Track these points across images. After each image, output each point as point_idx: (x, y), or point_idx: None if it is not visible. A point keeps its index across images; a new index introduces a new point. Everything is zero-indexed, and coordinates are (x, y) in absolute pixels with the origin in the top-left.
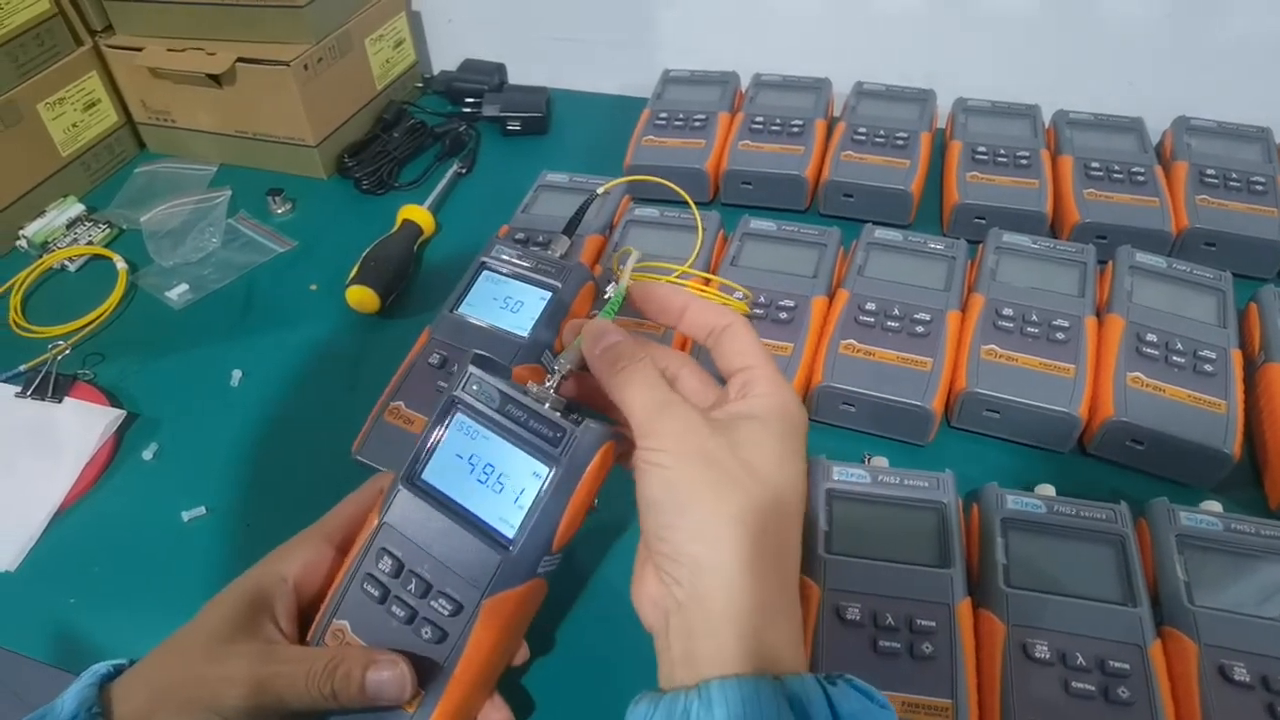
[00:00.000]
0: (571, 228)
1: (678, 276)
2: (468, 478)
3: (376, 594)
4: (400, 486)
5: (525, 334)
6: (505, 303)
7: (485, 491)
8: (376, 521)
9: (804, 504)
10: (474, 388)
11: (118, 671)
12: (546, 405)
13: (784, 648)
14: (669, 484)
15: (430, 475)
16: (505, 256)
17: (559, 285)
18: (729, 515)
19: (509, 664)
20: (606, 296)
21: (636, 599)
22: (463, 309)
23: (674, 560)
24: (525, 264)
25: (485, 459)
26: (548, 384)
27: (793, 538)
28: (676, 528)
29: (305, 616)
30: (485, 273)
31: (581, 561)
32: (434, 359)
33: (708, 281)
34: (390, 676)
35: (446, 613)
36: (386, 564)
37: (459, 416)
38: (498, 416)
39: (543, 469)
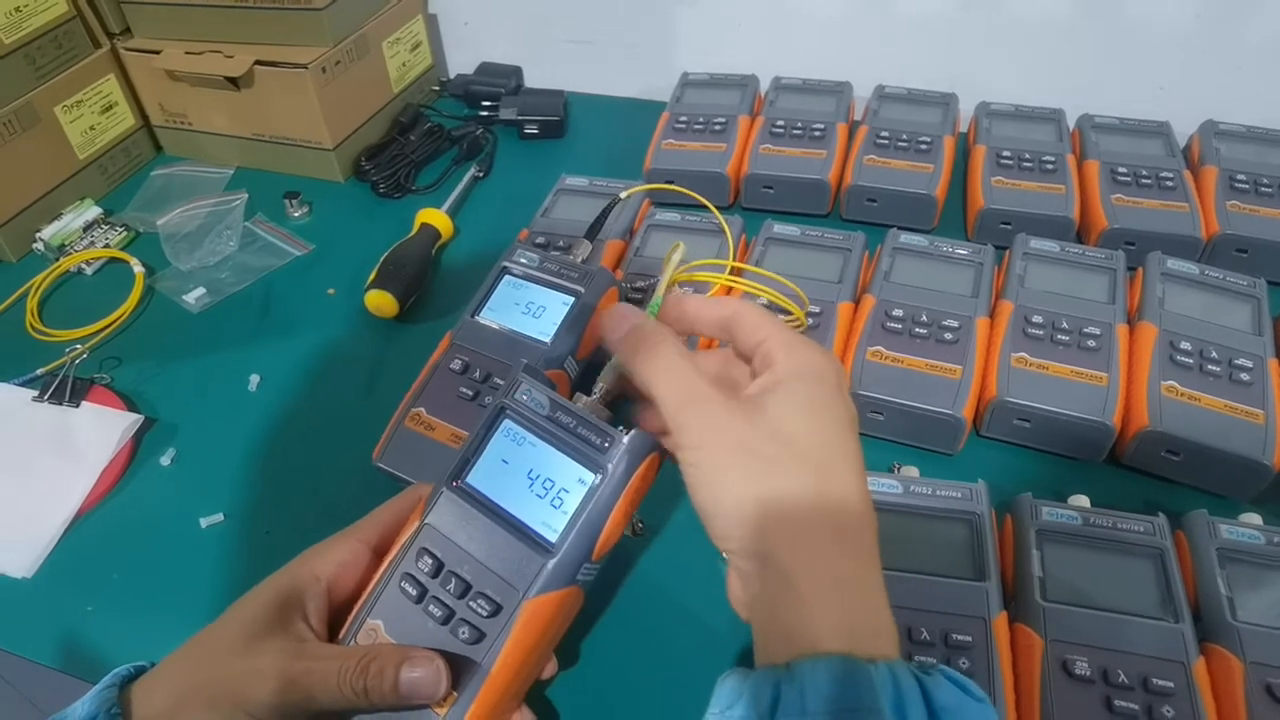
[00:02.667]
0: (594, 232)
1: (730, 274)
2: (513, 483)
3: (414, 593)
4: (444, 489)
5: (547, 340)
6: (527, 308)
7: (530, 496)
8: (418, 523)
9: (856, 458)
10: (524, 395)
11: (139, 673)
12: (595, 414)
13: (872, 625)
14: (706, 481)
15: (475, 479)
16: (526, 261)
17: (581, 290)
18: (763, 499)
19: (538, 676)
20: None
21: (729, 593)
22: (484, 314)
23: (731, 551)
24: (547, 269)
25: (531, 465)
26: (595, 394)
27: (851, 495)
28: (720, 520)
29: (336, 619)
30: (506, 277)
31: (613, 575)
32: (456, 364)
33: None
34: (425, 674)
35: (485, 613)
36: (426, 563)
37: (506, 423)
38: (546, 424)
39: (589, 476)
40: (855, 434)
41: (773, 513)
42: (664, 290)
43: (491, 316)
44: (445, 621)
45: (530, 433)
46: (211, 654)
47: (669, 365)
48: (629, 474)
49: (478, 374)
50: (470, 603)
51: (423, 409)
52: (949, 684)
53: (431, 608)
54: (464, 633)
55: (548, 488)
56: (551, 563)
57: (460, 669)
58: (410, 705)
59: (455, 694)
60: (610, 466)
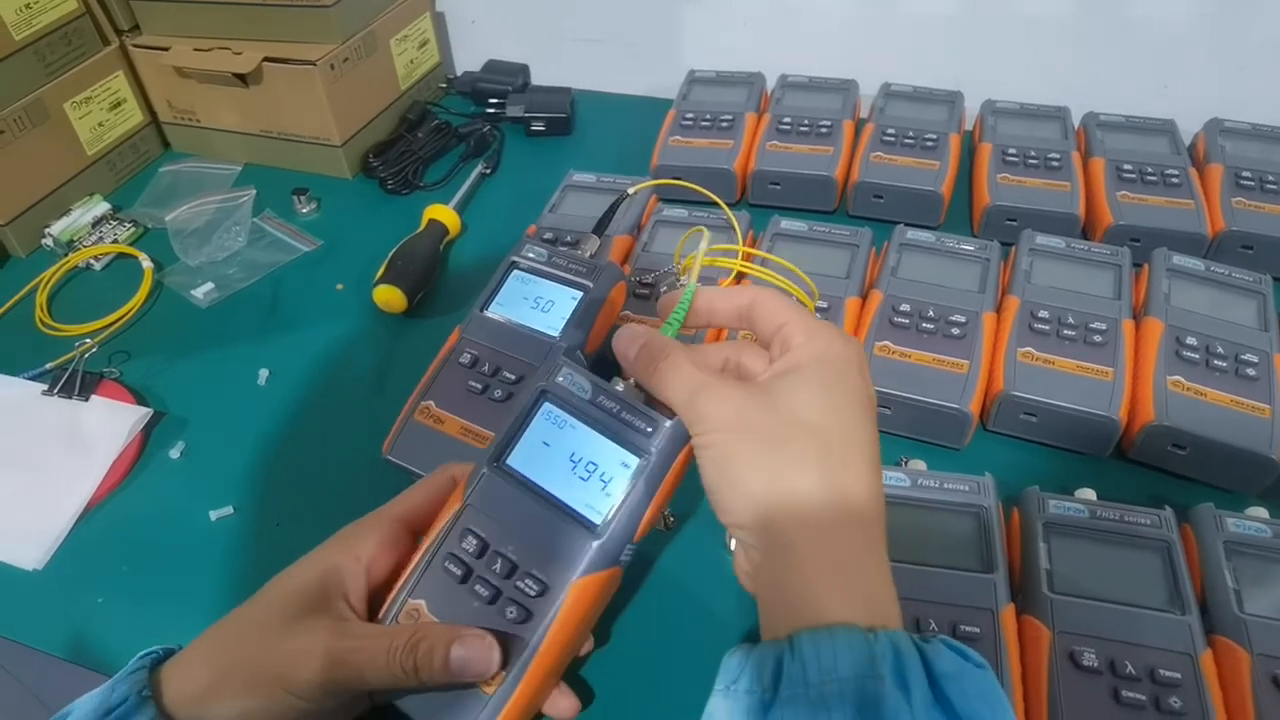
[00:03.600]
0: (602, 227)
1: (742, 260)
2: (555, 465)
3: (459, 573)
4: (485, 470)
5: (556, 334)
6: (536, 302)
7: (573, 479)
8: (460, 504)
9: (870, 443)
10: (564, 379)
11: (168, 655)
12: (636, 399)
13: (876, 599)
14: (717, 463)
15: (515, 461)
16: (535, 256)
17: (590, 285)
18: (772, 480)
19: (576, 654)
20: (681, 283)
21: (735, 568)
22: (493, 308)
23: (740, 528)
24: (556, 263)
25: (573, 448)
26: (632, 381)
27: (861, 479)
28: (729, 499)
29: (374, 599)
30: (515, 272)
31: (646, 555)
32: (465, 358)
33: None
34: (476, 652)
35: (533, 593)
36: (470, 544)
37: (547, 406)
38: (589, 408)
39: (632, 460)
40: (872, 418)
41: (781, 494)
42: (696, 275)
43: (500, 311)
44: (492, 601)
45: (572, 416)
46: (249, 634)
47: (677, 370)
48: (672, 458)
49: (487, 368)
50: (518, 582)
51: (432, 402)
52: (949, 651)
53: (478, 587)
54: (512, 612)
55: (591, 470)
56: (598, 544)
57: (508, 648)
58: (459, 683)
59: (503, 673)
60: (654, 451)
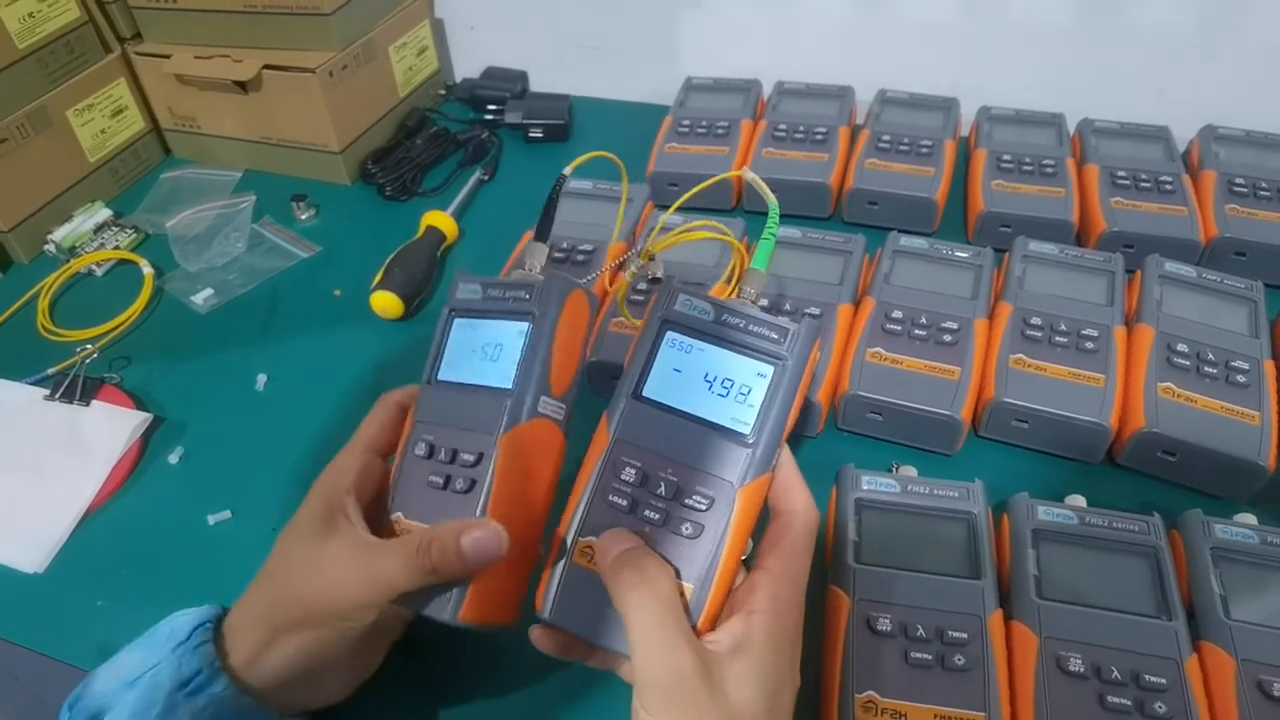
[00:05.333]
0: (544, 231)
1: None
2: (691, 387)
3: (625, 504)
4: (626, 401)
5: (509, 384)
6: (484, 351)
7: (712, 397)
8: (608, 440)
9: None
10: (683, 306)
11: (218, 618)
12: (761, 313)
13: None
14: None
15: (652, 391)
16: (470, 294)
17: (534, 311)
18: None
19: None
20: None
21: None
22: (444, 373)
23: None
24: (492, 296)
25: (705, 368)
26: (745, 296)
27: None
28: None
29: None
30: (456, 321)
31: None
32: (420, 448)
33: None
34: (484, 533)
35: (703, 508)
36: (630, 474)
37: (670, 334)
38: (714, 327)
39: (767, 368)
40: (791, 709)
41: None
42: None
43: (451, 374)
44: (664, 524)
45: (698, 339)
46: (286, 582)
47: (646, 605)
48: (806, 358)
49: (443, 454)
50: (685, 500)
51: (400, 514)
52: None
53: (647, 513)
54: (687, 529)
55: (728, 386)
56: (755, 452)
57: (689, 563)
58: (481, 566)
59: (691, 586)
60: (789, 355)
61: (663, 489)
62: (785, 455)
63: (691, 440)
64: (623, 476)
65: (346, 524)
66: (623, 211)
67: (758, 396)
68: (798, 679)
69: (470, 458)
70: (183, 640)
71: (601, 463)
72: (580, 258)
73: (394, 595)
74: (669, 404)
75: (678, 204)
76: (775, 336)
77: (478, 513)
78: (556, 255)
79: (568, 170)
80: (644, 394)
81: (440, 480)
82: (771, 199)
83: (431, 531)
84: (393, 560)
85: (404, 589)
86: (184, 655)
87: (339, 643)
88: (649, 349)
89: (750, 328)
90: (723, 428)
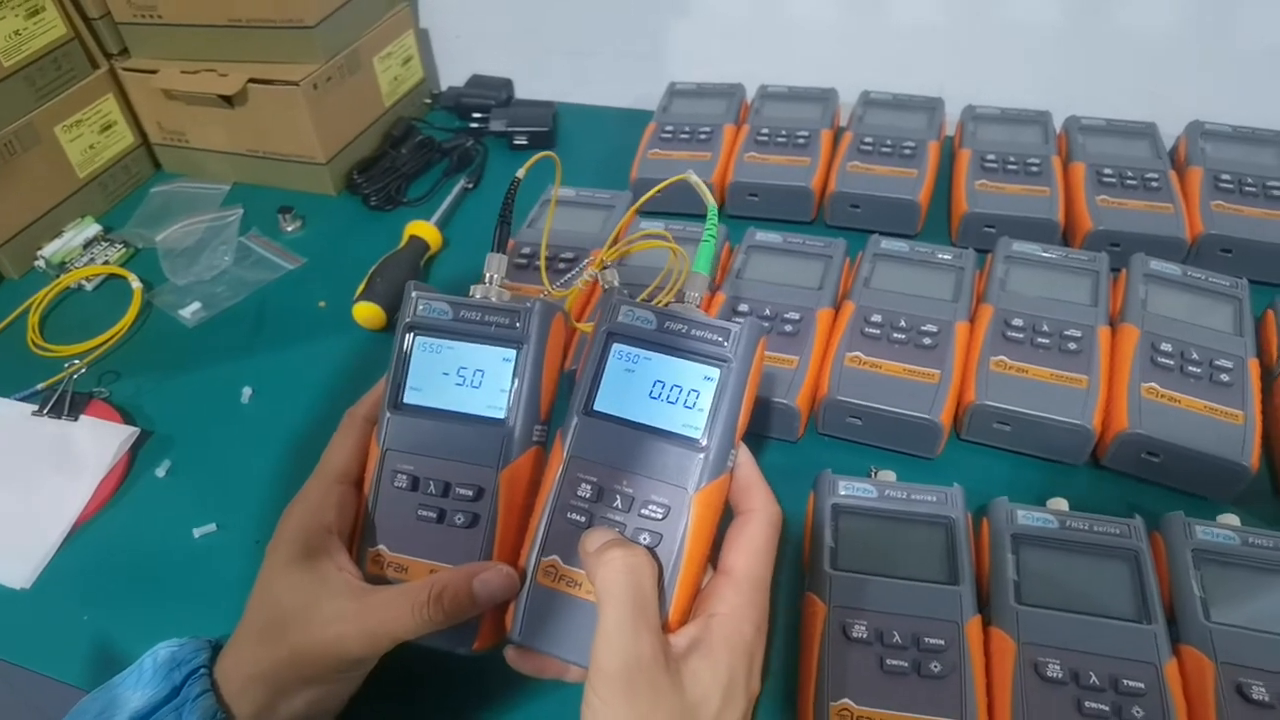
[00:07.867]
0: (502, 243)
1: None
2: (639, 398)
3: (583, 520)
4: (578, 418)
5: (503, 414)
6: (460, 376)
7: (661, 405)
8: (562, 457)
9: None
10: (626, 317)
11: (209, 661)
12: (699, 314)
13: None
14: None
15: (603, 405)
16: (436, 313)
17: (523, 340)
18: None
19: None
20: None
21: None
22: (410, 397)
23: None
24: (468, 318)
25: (653, 376)
26: (689, 301)
27: None
28: None
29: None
30: (419, 340)
31: None
32: (401, 481)
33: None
34: (495, 577)
35: (659, 517)
36: (585, 491)
37: (616, 346)
38: (657, 336)
39: (713, 371)
40: (748, 710)
41: None
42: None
43: (420, 399)
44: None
45: (643, 349)
46: (281, 638)
47: (624, 589)
48: (750, 357)
49: (434, 487)
50: (643, 511)
51: (383, 547)
52: None
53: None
54: (645, 538)
55: (677, 392)
56: (708, 456)
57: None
58: (491, 606)
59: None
60: (733, 356)
61: (619, 501)
62: (744, 455)
63: (644, 450)
64: (579, 493)
65: (335, 571)
66: (552, 214)
67: (706, 400)
68: (756, 683)
69: (468, 491)
70: (178, 685)
71: (558, 481)
72: (561, 265)
73: (396, 644)
74: (620, 416)
75: (635, 208)
76: (718, 338)
77: (482, 547)
78: (517, 261)
79: (520, 173)
80: (595, 408)
81: (433, 514)
82: (711, 201)
83: (440, 580)
84: (396, 611)
85: (408, 639)
86: (184, 711)
87: (345, 689)
88: (596, 363)
89: (693, 332)
90: (674, 434)
